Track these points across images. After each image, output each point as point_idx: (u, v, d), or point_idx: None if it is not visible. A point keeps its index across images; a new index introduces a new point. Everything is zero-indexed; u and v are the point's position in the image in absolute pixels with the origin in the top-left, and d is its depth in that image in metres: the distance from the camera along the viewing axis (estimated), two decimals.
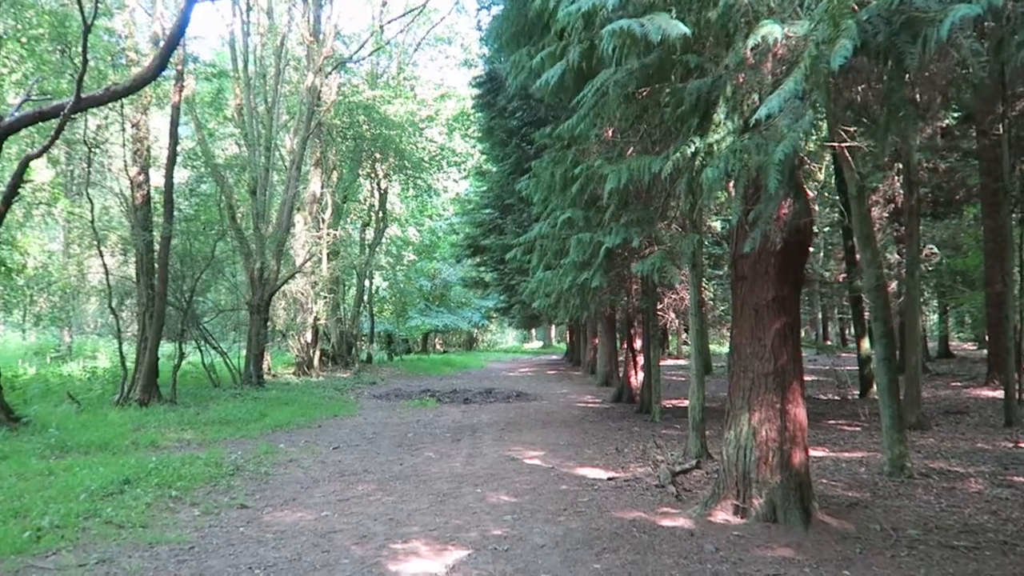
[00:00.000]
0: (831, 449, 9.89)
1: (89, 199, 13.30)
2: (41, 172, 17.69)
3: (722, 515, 6.13)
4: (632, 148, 5.95)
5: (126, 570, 5.14)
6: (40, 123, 10.74)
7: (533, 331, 74.59)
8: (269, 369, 22.98)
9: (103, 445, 9.75)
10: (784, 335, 6.01)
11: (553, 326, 64.24)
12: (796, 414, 6.00)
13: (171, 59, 13.43)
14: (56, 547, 5.53)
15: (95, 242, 13.45)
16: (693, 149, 4.23)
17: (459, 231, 32.07)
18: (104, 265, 13.37)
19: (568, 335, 42.06)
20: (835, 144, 5.40)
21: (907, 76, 4.31)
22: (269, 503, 7.28)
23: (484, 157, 22.31)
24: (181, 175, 19.27)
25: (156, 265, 13.76)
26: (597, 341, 25.76)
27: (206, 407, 13.92)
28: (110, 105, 13.74)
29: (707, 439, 9.56)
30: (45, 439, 9.66)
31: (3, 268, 18.10)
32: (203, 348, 17.83)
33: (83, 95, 9.72)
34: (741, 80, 4.43)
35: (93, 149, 13.58)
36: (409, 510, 6.98)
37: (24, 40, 12.49)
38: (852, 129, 5.87)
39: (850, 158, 5.31)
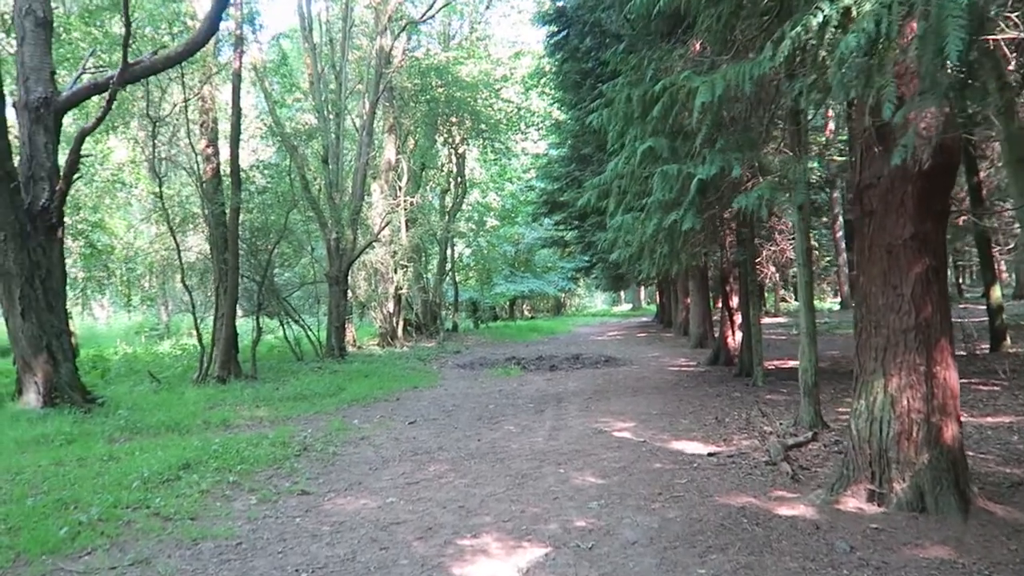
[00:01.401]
0: (969, 414, 8.52)
1: (157, 175, 13.08)
2: (119, 152, 17.80)
3: (854, 502, 5.06)
4: (724, 62, 4.85)
5: (160, 574, 4.56)
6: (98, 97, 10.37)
7: (621, 293, 73.18)
8: (354, 341, 22.82)
9: (173, 425, 9.44)
10: (927, 281, 4.83)
11: (642, 287, 62.67)
12: (946, 377, 4.84)
13: (227, 22, 12.95)
14: (92, 545, 5.03)
15: (166, 219, 13.24)
16: (821, 17, 3.14)
17: (536, 189, 30.95)
18: (175, 241, 13.17)
19: (658, 295, 40.60)
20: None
21: None
22: (332, 488, 6.66)
23: (559, 106, 20.95)
24: (254, 148, 19.09)
25: (228, 239, 13.46)
26: (689, 300, 24.42)
27: (285, 382, 13.63)
28: (176, 77, 13.44)
29: (821, 406, 8.39)
30: (116, 421, 9.43)
31: (93, 250, 18.43)
32: (285, 322, 17.65)
33: (131, 63, 9.25)
34: None
35: (159, 124, 13.31)
36: (483, 495, 6.21)
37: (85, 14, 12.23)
38: None
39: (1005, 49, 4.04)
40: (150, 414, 9.92)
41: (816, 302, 33.03)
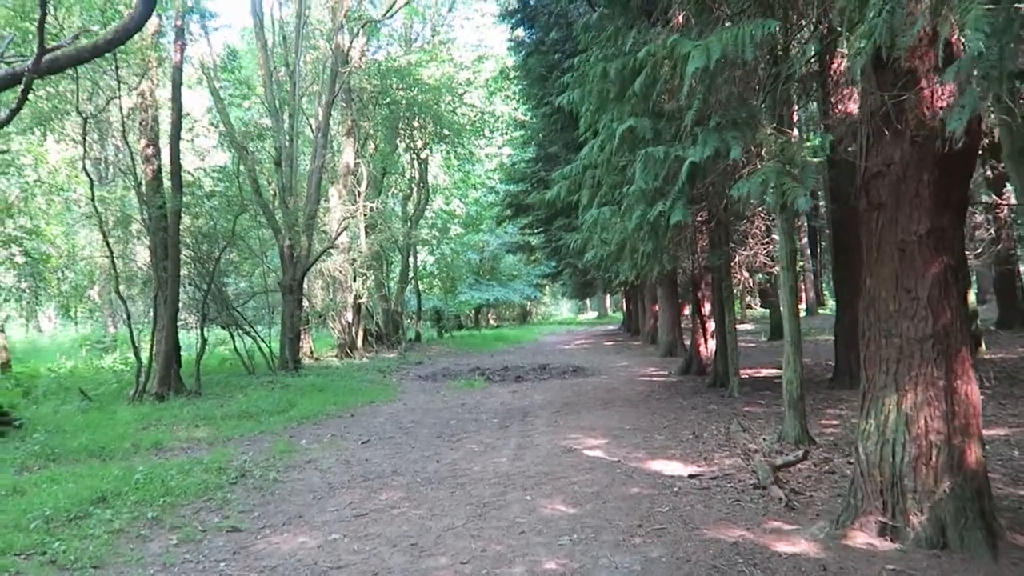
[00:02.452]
0: None
1: (88, 176, 12.08)
2: (54, 153, 16.69)
3: (863, 537, 4.41)
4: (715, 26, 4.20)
5: None
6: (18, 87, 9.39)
7: (587, 301, 72.77)
8: (312, 352, 21.84)
9: (97, 450, 8.49)
10: (945, 283, 4.23)
11: (608, 295, 62.32)
12: (967, 392, 4.24)
13: (168, 11, 12.09)
14: None
15: (99, 223, 12.21)
16: None
17: (500, 192, 30.10)
18: (108, 247, 12.17)
19: (624, 303, 40.16)
20: None
21: None
22: (268, 523, 5.84)
23: (523, 106, 20.13)
24: (203, 150, 18.09)
25: (168, 245, 12.49)
26: (657, 308, 23.92)
27: (231, 398, 12.69)
28: (109, 70, 12.47)
29: (807, 419, 7.79)
30: (31, 446, 8.45)
31: (28, 258, 17.26)
32: (235, 334, 16.66)
33: (50, 48, 8.35)
34: None
35: (90, 120, 12.32)
36: (439, 529, 5.45)
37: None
38: None
39: None
40: (72, 437, 8.95)
41: (763, 312, 32.65)
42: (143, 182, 13.17)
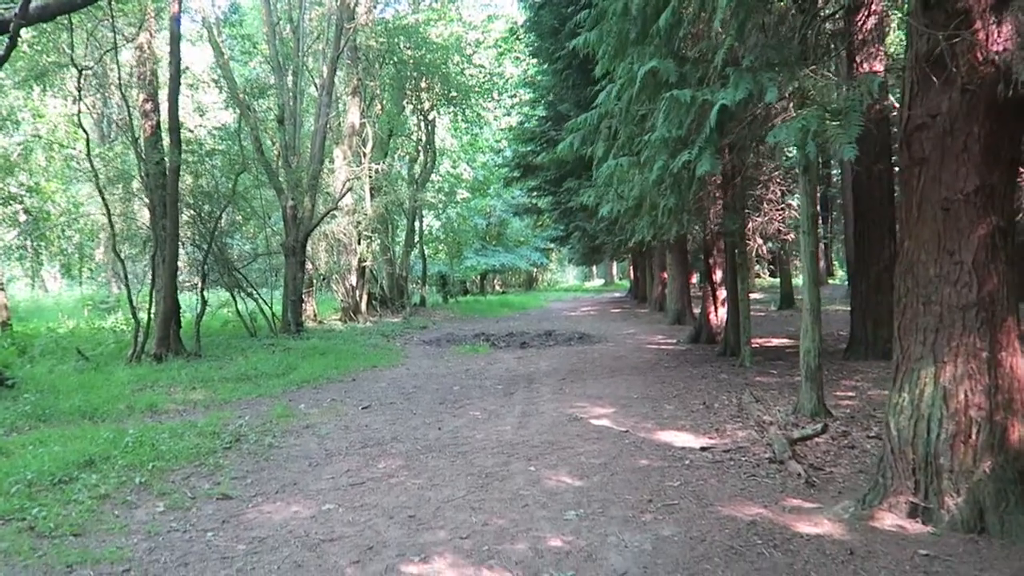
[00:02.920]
0: None
1: (84, 131, 11.68)
2: (54, 109, 16.28)
3: (892, 519, 4.11)
4: None
5: None
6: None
7: (594, 268, 72.38)
8: (315, 316, 21.60)
9: (90, 411, 8.25)
10: (992, 246, 3.87)
11: (614, 262, 61.86)
12: (1012, 365, 3.90)
13: None
14: None
15: (95, 179, 11.85)
16: None
17: (507, 154, 29.36)
18: (105, 203, 11.83)
19: (631, 270, 39.80)
20: None
21: None
22: (260, 491, 5.59)
23: (533, 69, 19.37)
24: (205, 106, 17.62)
25: (166, 203, 12.13)
26: (666, 275, 23.56)
27: (231, 360, 12.45)
28: (104, 21, 12.01)
29: (824, 391, 7.47)
30: (22, 406, 8.21)
31: (28, 216, 16.98)
32: (236, 295, 16.39)
33: None
34: None
35: (85, 73, 11.90)
36: (439, 500, 5.19)
37: None
38: None
39: None
40: (65, 398, 8.70)
41: (774, 280, 32.12)
42: (141, 138, 12.79)
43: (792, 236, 15.73)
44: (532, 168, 16.86)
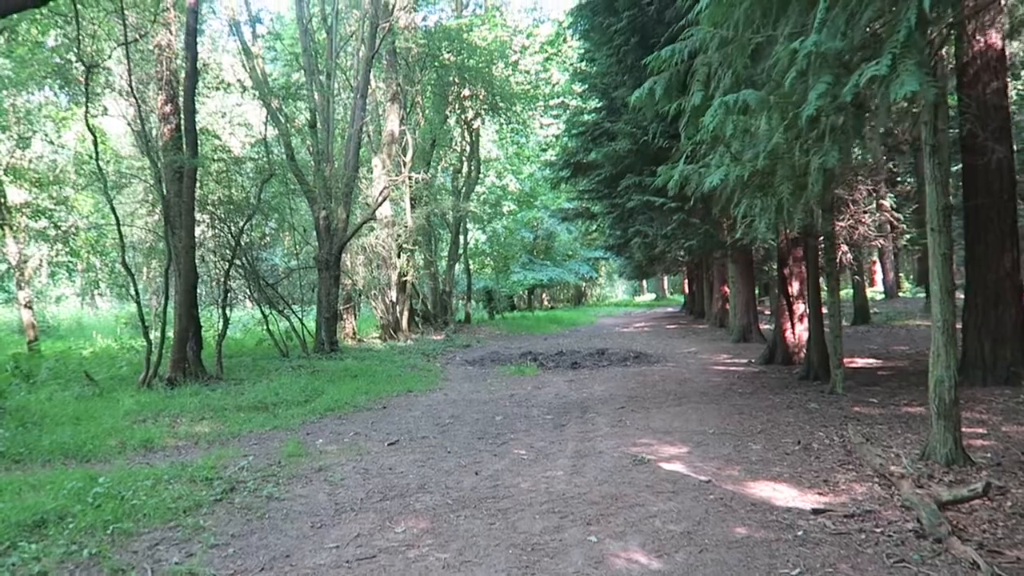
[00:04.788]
0: None
1: (91, 131, 10.77)
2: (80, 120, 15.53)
3: None
4: None
5: None
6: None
7: (644, 283, 70.48)
8: (354, 334, 20.55)
9: (75, 450, 7.14)
10: None
11: (666, 276, 59.84)
12: None
13: None
14: None
15: (103, 183, 10.93)
16: None
17: (554, 148, 27.71)
18: (114, 211, 10.87)
19: (685, 284, 38.03)
20: None
21: None
22: (241, 567, 4.32)
23: (581, 59, 17.79)
24: (231, 111, 16.75)
25: (181, 211, 11.12)
26: (727, 288, 21.91)
27: (254, 384, 11.34)
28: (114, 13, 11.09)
29: (962, 433, 5.88)
30: None
31: (57, 231, 16.31)
32: (268, 313, 15.37)
33: None
34: None
35: (94, 70, 11.00)
36: None
37: None
38: None
39: None
40: (51, 432, 7.62)
41: (845, 292, 29.87)
42: (160, 142, 11.86)
43: (882, 242, 14.07)
44: (583, 167, 15.35)
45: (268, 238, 16.58)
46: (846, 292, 26.13)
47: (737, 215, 5.38)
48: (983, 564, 3.63)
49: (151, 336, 10.84)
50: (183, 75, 11.90)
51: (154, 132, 12.31)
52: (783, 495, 5.27)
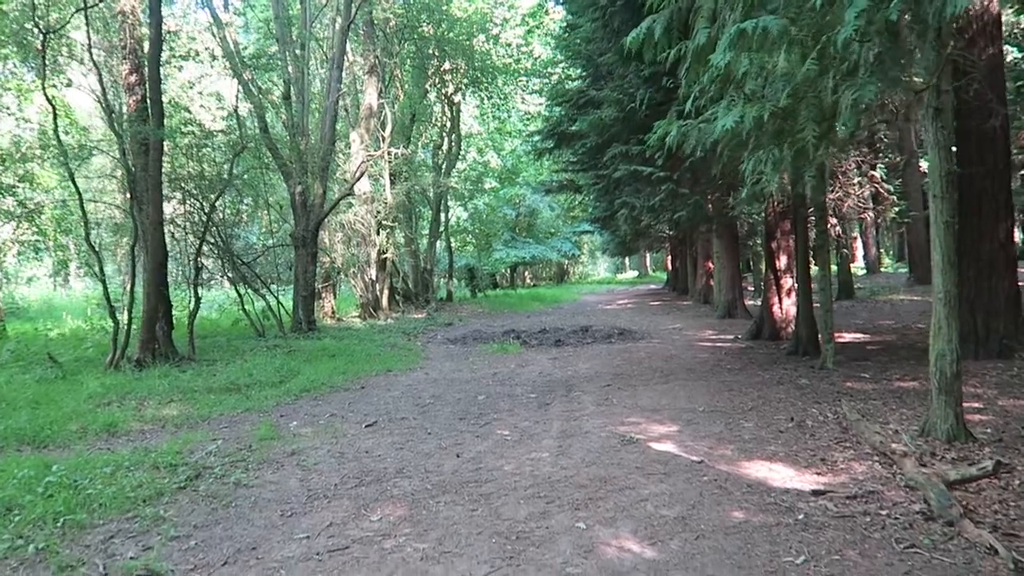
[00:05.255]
0: None
1: (49, 101, 10.23)
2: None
3: None
4: None
5: None
6: None
7: (627, 260, 70.29)
8: (333, 312, 20.13)
9: (32, 435, 6.75)
10: None
11: (648, 253, 59.62)
12: None
13: None
14: None
15: (63, 157, 10.40)
16: None
17: (535, 122, 27.06)
18: (75, 186, 10.36)
19: (668, 260, 37.82)
20: None
21: None
22: (203, 561, 4.00)
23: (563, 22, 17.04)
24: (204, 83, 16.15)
25: (148, 186, 10.61)
26: (711, 264, 21.72)
27: (228, 364, 10.95)
28: None
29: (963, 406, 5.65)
30: None
31: (22, 208, 15.72)
32: (243, 292, 14.92)
33: None
34: None
35: (51, 36, 10.43)
36: None
37: None
38: None
39: None
40: (5, 417, 7.21)
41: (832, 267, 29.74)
42: (125, 114, 11.35)
43: (870, 214, 13.85)
44: (568, 137, 14.81)
45: (244, 215, 16.06)
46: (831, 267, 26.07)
47: (745, 171, 5.00)
48: (1001, 549, 3.38)
49: (118, 317, 10.38)
50: (148, 44, 11.34)
51: (121, 104, 11.74)
52: (780, 475, 5.02)
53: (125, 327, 10.47)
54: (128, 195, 10.89)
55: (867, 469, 5.00)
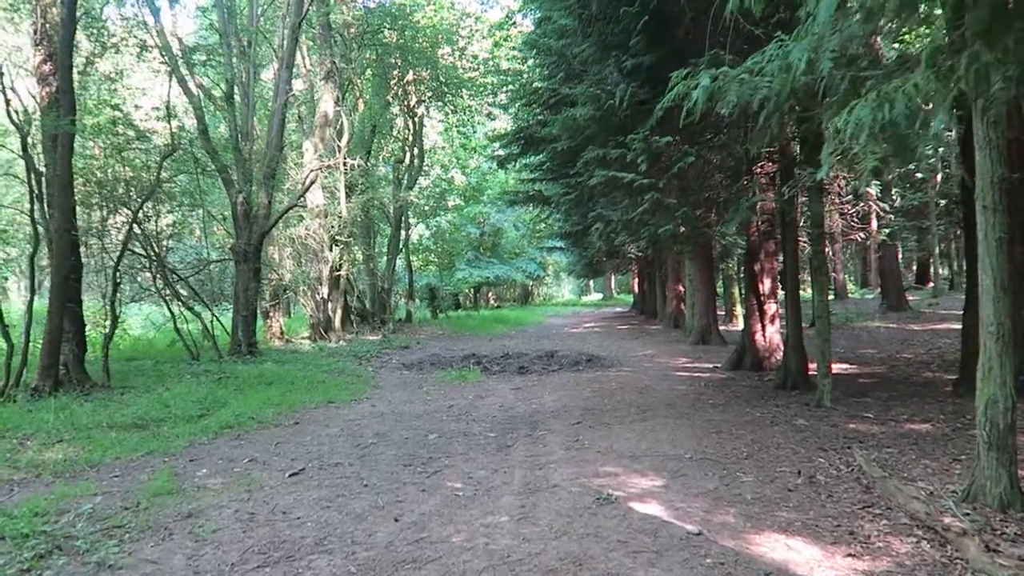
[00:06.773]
0: None
1: None
2: None
3: None
4: None
5: None
6: None
7: (591, 283, 69.55)
8: (282, 333, 18.72)
9: None
10: None
11: (613, 275, 58.81)
12: None
13: None
14: None
15: None
16: None
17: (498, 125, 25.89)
18: None
19: (635, 283, 36.99)
20: None
21: None
22: None
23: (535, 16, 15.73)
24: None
25: (55, 187, 9.23)
26: (681, 287, 20.84)
27: (146, 393, 9.58)
28: None
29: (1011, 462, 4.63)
30: None
31: None
32: (178, 311, 13.51)
33: None
34: None
35: None
36: None
37: None
38: None
39: None
40: None
41: (805, 294, 29.19)
42: (37, 107, 10.00)
43: (860, 236, 13.03)
44: (536, 142, 13.54)
45: (178, 226, 14.67)
46: (805, 294, 25.40)
47: (833, 126, 3.86)
48: None
49: (12, 339, 8.97)
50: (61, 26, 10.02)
51: (34, 96, 10.39)
52: (802, 556, 3.93)
53: (22, 350, 9.05)
54: (29, 198, 9.48)
55: (912, 550, 3.94)
